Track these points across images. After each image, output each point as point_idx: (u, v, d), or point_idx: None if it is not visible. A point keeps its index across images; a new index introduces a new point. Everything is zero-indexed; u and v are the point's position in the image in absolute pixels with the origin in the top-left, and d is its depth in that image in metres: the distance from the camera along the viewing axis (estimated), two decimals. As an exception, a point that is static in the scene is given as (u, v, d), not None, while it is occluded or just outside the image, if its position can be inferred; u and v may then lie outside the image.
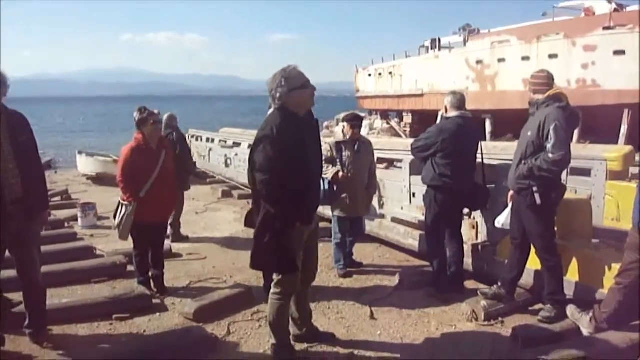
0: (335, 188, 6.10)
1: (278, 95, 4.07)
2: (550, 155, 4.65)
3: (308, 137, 4.20)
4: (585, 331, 4.58)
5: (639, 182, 4.46)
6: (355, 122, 6.54)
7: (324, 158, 5.63)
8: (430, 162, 5.83)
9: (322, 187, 5.98)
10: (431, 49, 29.46)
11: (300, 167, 4.04)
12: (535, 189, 4.80)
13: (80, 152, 17.89)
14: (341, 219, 6.56)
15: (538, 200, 4.80)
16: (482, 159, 5.92)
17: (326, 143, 6.26)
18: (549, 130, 4.66)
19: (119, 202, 5.93)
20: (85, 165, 16.80)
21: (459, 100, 5.84)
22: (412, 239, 7.06)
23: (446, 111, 5.88)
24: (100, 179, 15.39)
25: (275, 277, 4.36)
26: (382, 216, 7.85)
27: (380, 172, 8.10)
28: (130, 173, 5.86)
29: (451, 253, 5.96)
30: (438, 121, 6.11)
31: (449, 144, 5.66)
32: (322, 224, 6.23)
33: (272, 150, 3.96)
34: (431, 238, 6.02)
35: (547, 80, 4.98)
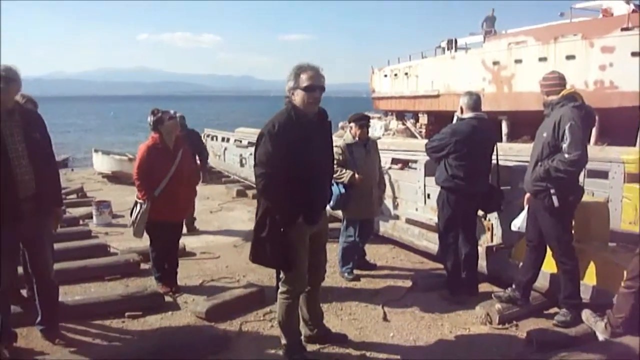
0: (349, 191, 6.08)
1: (287, 87, 4.10)
2: (567, 156, 4.58)
3: (315, 136, 4.17)
4: (601, 336, 4.52)
5: None
6: (362, 122, 6.45)
7: (335, 161, 5.59)
8: (443, 163, 5.77)
9: (338, 192, 5.95)
10: (447, 49, 29.30)
11: (301, 165, 4.02)
12: (552, 191, 4.74)
13: (96, 151, 18.04)
14: (353, 221, 6.50)
15: (556, 203, 4.73)
16: (497, 160, 5.86)
17: (337, 146, 6.20)
18: (564, 130, 4.59)
19: (135, 200, 5.98)
20: (101, 163, 16.93)
21: (475, 101, 5.75)
22: (426, 241, 7.01)
23: (462, 112, 5.79)
24: (115, 177, 15.50)
25: (282, 276, 4.35)
26: (397, 217, 7.81)
27: (395, 173, 8.07)
28: (146, 171, 5.91)
29: (465, 255, 5.88)
30: (453, 122, 6.04)
31: (462, 145, 5.59)
32: (332, 225, 6.20)
33: (271, 145, 3.97)
34: (444, 240, 5.95)
35: (559, 80, 4.92)
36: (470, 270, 5.88)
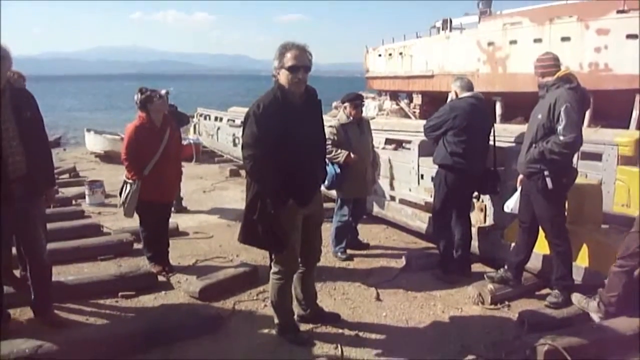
0: (344, 171, 6.08)
1: (273, 66, 4.07)
2: (562, 138, 4.58)
3: (303, 116, 4.13)
4: (596, 316, 4.55)
5: None
6: (357, 102, 6.42)
7: (330, 142, 5.58)
8: (441, 141, 5.75)
9: (332, 171, 5.95)
10: (442, 29, 29.18)
11: (288, 146, 3.99)
12: (546, 173, 4.74)
13: (88, 130, 17.92)
14: (348, 200, 6.50)
15: (550, 185, 4.74)
16: (495, 142, 5.87)
17: (331, 126, 6.19)
18: (559, 112, 4.59)
19: (124, 180, 5.95)
20: (94, 143, 16.85)
21: (468, 83, 5.82)
22: (419, 221, 7.03)
23: (456, 96, 5.80)
24: (108, 157, 15.45)
25: (274, 256, 4.35)
26: (391, 197, 7.81)
27: (389, 153, 8.06)
28: (135, 151, 5.88)
29: (459, 236, 5.93)
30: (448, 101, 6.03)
31: (461, 120, 5.57)
32: (327, 204, 6.20)
33: (257, 127, 3.95)
34: (438, 219, 5.97)
35: (554, 62, 4.90)
36: (464, 251, 5.92)
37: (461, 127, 5.58)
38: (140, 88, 6.06)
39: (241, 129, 13.59)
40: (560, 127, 4.59)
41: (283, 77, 4.02)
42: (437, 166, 5.90)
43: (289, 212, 4.11)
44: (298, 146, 4.03)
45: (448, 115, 5.67)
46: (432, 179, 6.14)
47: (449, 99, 5.88)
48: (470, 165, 5.63)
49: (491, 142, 5.85)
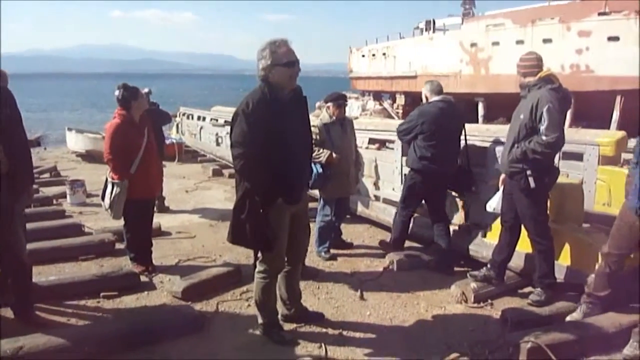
0: (327, 170, 6.08)
1: (261, 66, 4.02)
2: (544, 138, 4.62)
3: (291, 113, 4.12)
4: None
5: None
6: (340, 101, 6.42)
7: (313, 141, 5.58)
8: (412, 145, 6.00)
9: (315, 171, 5.95)
10: (425, 30, 29.32)
11: (278, 144, 3.98)
12: (529, 172, 4.78)
13: (70, 129, 17.75)
14: (330, 200, 6.50)
15: (532, 184, 4.78)
16: (466, 142, 6.04)
17: (314, 126, 6.19)
18: (542, 113, 4.63)
19: (107, 180, 5.84)
20: (75, 142, 16.68)
21: (437, 86, 6.10)
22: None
23: (427, 100, 6.04)
24: (90, 156, 15.29)
25: (260, 255, 4.33)
26: (377, 197, 7.82)
27: (373, 153, 8.07)
28: (119, 150, 5.78)
29: (438, 235, 6.08)
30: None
31: (430, 125, 5.82)
32: (312, 204, 6.19)
33: (247, 125, 3.93)
34: (400, 215, 6.36)
35: (536, 62, 4.93)
36: (445, 249, 6.04)
37: (430, 132, 5.83)
38: (123, 84, 5.99)
39: (224, 128, 13.52)
40: (542, 127, 4.63)
41: (278, 74, 4.00)
42: None
43: (278, 210, 4.10)
44: (287, 144, 4.03)
45: (417, 120, 5.93)
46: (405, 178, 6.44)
47: (422, 103, 6.07)
48: (440, 167, 5.89)
49: (463, 142, 6.03)
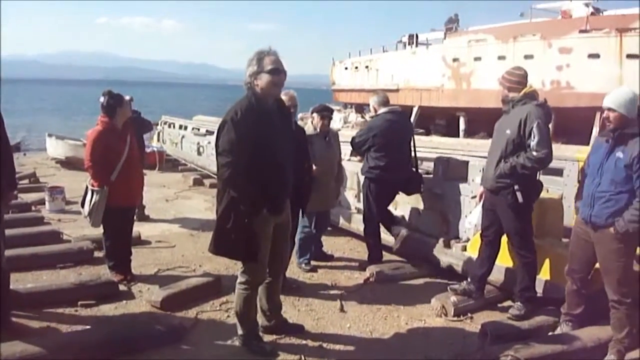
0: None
1: (248, 73, 4.05)
2: (535, 153, 4.69)
3: (277, 122, 4.15)
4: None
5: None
6: (325, 113, 6.44)
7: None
8: (366, 156, 6.44)
9: None
10: (408, 44, 29.48)
11: (264, 153, 3.99)
12: (516, 187, 4.83)
13: (50, 135, 17.59)
14: (310, 212, 6.46)
15: (520, 199, 4.84)
16: (415, 148, 6.55)
17: None
18: (532, 128, 4.70)
19: (87, 188, 5.80)
20: (55, 148, 16.53)
21: (384, 98, 6.56)
22: (383, 233, 7.04)
23: (375, 111, 6.44)
24: (70, 163, 15.15)
25: (240, 266, 4.31)
26: (358, 210, 7.82)
27: (355, 165, 8.08)
28: (100, 157, 5.75)
29: (395, 233, 6.57)
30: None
31: (379, 138, 6.25)
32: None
33: (234, 133, 3.92)
34: (369, 221, 6.61)
35: (523, 79, 5.00)
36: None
37: (381, 144, 6.20)
38: (108, 91, 5.95)
39: (205, 137, 13.43)
40: (533, 143, 4.70)
41: (263, 81, 4.02)
42: None
43: (262, 221, 4.08)
44: (272, 153, 4.04)
45: (367, 134, 6.35)
46: (361, 187, 6.90)
47: (367, 115, 6.31)
48: (391, 175, 6.29)
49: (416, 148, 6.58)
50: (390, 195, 6.63)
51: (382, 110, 6.39)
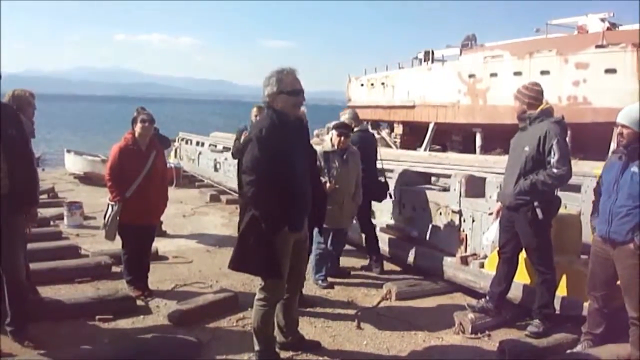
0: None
1: (266, 93, 4.10)
2: (555, 170, 4.69)
3: (297, 141, 4.20)
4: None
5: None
6: (343, 130, 6.41)
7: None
8: None
9: None
10: (424, 61, 29.51)
11: (286, 171, 4.02)
12: (536, 204, 4.81)
13: (68, 151, 17.80)
14: (325, 230, 6.41)
15: (540, 215, 4.81)
16: (381, 159, 7.33)
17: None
18: (551, 145, 4.70)
19: (108, 202, 5.90)
20: (74, 163, 16.72)
21: (356, 114, 7.16)
22: (400, 250, 7.03)
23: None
24: (88, 179, 15.32)
25: (260, 282, 4.31)
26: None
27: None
28: (118, 172, 5.84)
29: (366, 239, 7.19)
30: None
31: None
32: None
33: (259, 151, 3.96)
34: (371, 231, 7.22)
35: (540, 95, 5.01)
36: (376, 253, 7.13)
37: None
38: (138, 107, 6.15)
39: (222, 154, 13.45)
40: (553, 160, 4.69)
41: (282, 102, 4.07)
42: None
43: (283, 238, 4.10)
44: (294, 171, 4.07)
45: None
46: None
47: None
48: (365, 185, 6.67)
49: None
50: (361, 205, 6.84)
51: (357, 128, 6.96)
